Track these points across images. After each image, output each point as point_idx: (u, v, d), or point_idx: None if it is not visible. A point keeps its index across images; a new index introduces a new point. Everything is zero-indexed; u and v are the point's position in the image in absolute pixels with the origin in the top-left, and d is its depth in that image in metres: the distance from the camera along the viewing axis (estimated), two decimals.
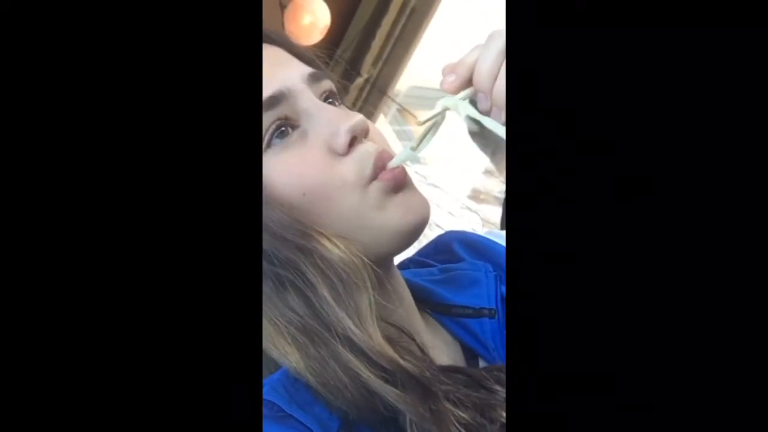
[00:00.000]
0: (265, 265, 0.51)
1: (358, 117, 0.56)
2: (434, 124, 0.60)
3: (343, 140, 0.55)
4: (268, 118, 0.54)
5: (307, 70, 0.59)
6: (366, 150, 0.55)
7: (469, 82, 0.54)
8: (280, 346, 0.52)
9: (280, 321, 0.51)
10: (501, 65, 0.51)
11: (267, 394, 0.51)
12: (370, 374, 0.49)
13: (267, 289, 0.52)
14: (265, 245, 0.51)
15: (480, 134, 1.36)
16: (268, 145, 0.54)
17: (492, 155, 1.41)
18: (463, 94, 0.55)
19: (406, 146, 0.57)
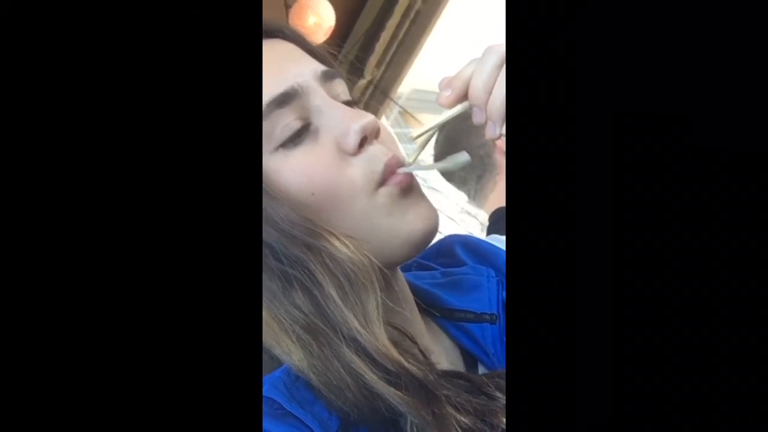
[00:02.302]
0: (272, 262, 0.51)
1: (370, 117, 0.56)
2: (428, 140, 0.61)
3: (352, 140, 0.54)
4: (281, 115, 0.54)
5: (320, 67, 0.58)
6: (375, 153, 0.55)
7: (464, 96, 0.54)
8: (284, 344, 0.51)
9: (285, 319, 0.51)
10: (496, 79, 0.52)
11: (268, 391, 0.51)
12: (373, 376, 0.49)
13: (273, 286, 0.51)
14: (273, 242, 0.51)
15: (455, 171, 1.35)
16: (283, 143, 0.54)
17: (477, 180, 1.42)
18: (458, 107, 0.56)
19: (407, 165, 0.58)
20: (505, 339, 0.62)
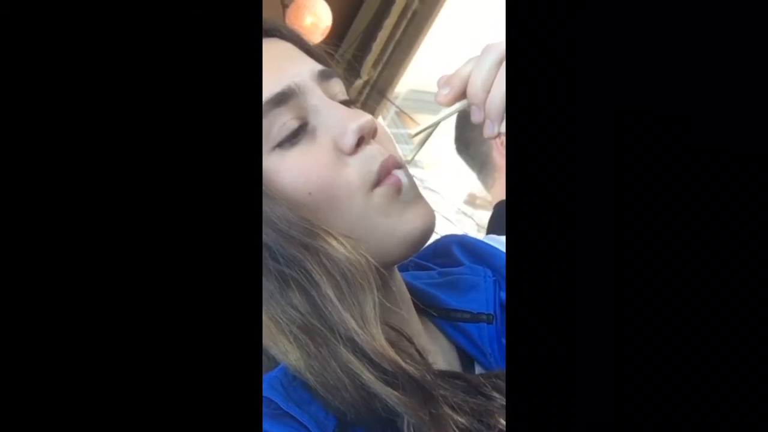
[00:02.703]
0: (269, 262, 0.51)
1: (367, 117, 0.56)
2: (427, 137, 0.61)
3: (349, 140, 0.54)
4: (279, 115, 0.54)
5: (317, 67, 0.58)
6: (372, 153, 0.55)
7: (463, 95, 0.54)
8: (281, 344, 0.51)
9: (282, 319, 0.51)
10: (494, 78, 0.52)
11: (265, 390, 0.51)
12: (370, 376, 0.49)
13: (270, 286, 0.51)
14: (270, 242, 0.51)
15: (466, 151, 1.36)
16: (280, 143, 0.54)
17: (479, 172, 1.43)
18: (457, 106, 0.56)
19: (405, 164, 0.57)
20: (502, 339, 0.62)
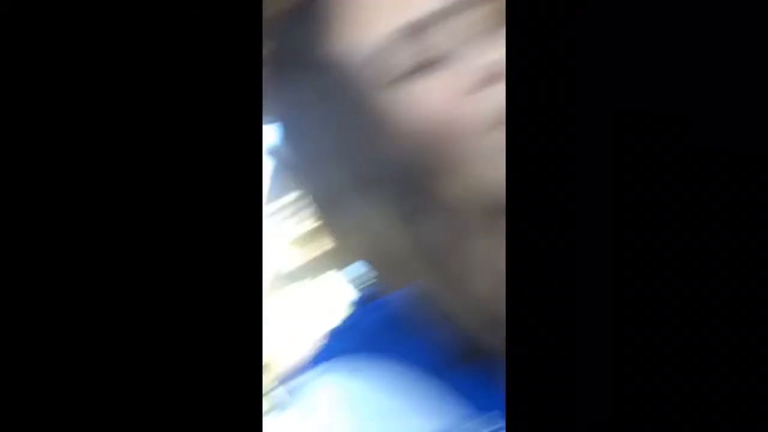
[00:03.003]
0: (387, 194, 0.52)
1: (495, 55, 0.52)
2: None
3: (473, 78, 0.52)
4: (403, 46, 0.52)
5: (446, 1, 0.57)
6: (497, 92, 0.51)
7: None
8: (404, 269, 0.53)
9: (407, 246, 0.52)
10: None
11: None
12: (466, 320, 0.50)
13: (390, 217, 0.52)
14: (385, 178, 0.51)
15: None
16: (400, 76, 0.52)
17: None
18: None
19: None
20: None
